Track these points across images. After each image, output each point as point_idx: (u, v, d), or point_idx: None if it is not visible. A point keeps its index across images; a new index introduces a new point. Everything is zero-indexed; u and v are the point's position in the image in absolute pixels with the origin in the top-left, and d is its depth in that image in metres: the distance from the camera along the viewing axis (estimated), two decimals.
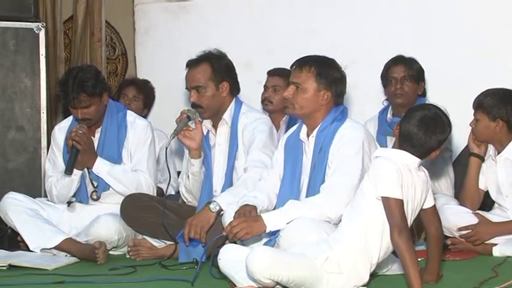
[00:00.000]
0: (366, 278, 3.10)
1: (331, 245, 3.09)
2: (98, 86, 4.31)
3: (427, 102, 4.60)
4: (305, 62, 3.68)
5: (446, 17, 5.17)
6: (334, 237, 3.14)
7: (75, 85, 4.24)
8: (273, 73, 5.00)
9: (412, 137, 3.09)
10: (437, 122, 3.12)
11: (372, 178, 3.08)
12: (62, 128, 4.54)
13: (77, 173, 4.35)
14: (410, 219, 3.10)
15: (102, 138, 4.43)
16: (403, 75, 4.58)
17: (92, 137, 4.39)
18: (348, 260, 3.05)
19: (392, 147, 3.28)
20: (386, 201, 3.02)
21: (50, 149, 4.60)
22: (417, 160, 3.12)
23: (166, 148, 4.13)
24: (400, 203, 3.02)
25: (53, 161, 4.52)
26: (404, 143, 3.12)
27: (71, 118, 4.54)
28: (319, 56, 3.74)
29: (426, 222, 3.21)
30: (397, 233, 2.98)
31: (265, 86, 5.02)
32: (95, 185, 4.40)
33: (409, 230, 3.05)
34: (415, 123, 3.09)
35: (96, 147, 4.40)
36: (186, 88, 4.26)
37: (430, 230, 3.24)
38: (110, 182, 4.38)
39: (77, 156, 4.28)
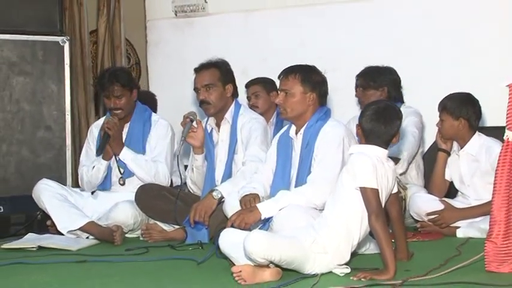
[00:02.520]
0: (347, 257, 3.10)
1: (317, 229, 3.08)
2: (129, 80, 4.43)
3: (404, 107, 4.58)
4: (290, 71, 3.68)
5: (416, 32, 5.17)
6: (319, 222, 3.13)
7: (111, 76, 4.36)
8: (249, 84, 5.01)
9: (375, 130, 3.10)
10: (389, 110, 3.14)
11: (350, 171, 3.07)
12: (97, 125, 4.59)
13: (103, 163, 4.39)
14: (383, 204, 3.10)
15: (129, 132, 4.46)
16: (359, 84, 4.57)
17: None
18: (332, 242, 3.05)
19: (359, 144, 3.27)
20: (364, 191, 3.02)
21: (86, 142, 4.62)
22: (386, 151, 3.13)
23: (178, 155, 4.13)
24: (376, 192, 3.02)
25: (86, 152, 4.55)
26: (370, 137, 3.12)
27: (103, 118, 4.58)
28: (301, 64, 3.74)
29: (389, 206, 3.20)
30: (374, 218, 2.98)
31: (247, 97, 5.02)
32: (122, 172, 4.41)
33: (384, 215, 3.05)
34: (373, 118, 3.10)
35: (124, 140, 4.42)
36: (194, 89, 4.25)
37: (392, 212, 3.25)
38: (133, 167, 4.38)
39: (108, 141, 4.32)
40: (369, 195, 3.00)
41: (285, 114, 3.69)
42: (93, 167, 4.40)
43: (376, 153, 3.09)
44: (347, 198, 3.07)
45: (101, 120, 4.60)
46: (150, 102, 5.30)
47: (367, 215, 3.03)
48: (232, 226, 3.40)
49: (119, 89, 4.35)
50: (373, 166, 3.03)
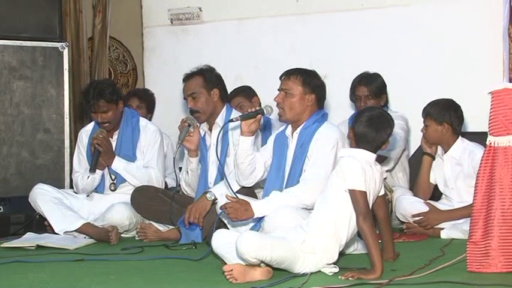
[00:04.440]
0: (336, 257, 3.10)
1: (306, 230, 3.09)
2: (114, 93, 4.34)
3: (391, 112, 4.60)
4: (292, 72, 3.70)
5: (402, 41, 5.21)
6: (308, 223, 3.13)
7: (95, 93, 4.28)
8: (233, 95, 4.81)
9: (366, 136, 3.11)
10: (383, 118, 3.15)
11: (340, 174, 3.08)
12: (87, 131, 4.56)
13: (98, 172, 4.39)
14: (370, 206, 3.11)
15: (119, 140, 4.44)
16: (366, 94, 4.55)
17: (110, 138, 4.41)
18: (320, 242, 3.05)
19: (350, 147, 3.28)
20: (352, 193, 3.03)
21: (76, 148, 4.61)
22: (374, 156, 3.14)
23: (174, 158, 4.14)
24: (364, 194, 3.03)
25: (78, 159, 4.55)
26: (361, 142, 3.13)
27: (93, 123, 4.56)
28: (303, 68, 3.76)
29: (376, 207, 3.21)
30: (362, 219, 2.99)
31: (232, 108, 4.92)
32: (113, 178, 4.40)
33: (371, 216, 3.06)
34: (366, 124, 3.11)
35: (114, 148, 4.41)
36: (184, 98, 4.27)
37: (379, 213, 3.25)
38: (126, 176, 4.38)
39: (99, 157, 4.31)
40: (358, 197, 3.02)
41: (283, 114, 3.68)
42: (88, 176, 4.39)
43: (365, 157, 3.10)
44: (336, 200, 3.08)
45: (90, 126, 4.58)
46: (149, 101, 5.30)
47: (355, 216, 3.04)
48: (222, 210, 3.45)
49: (104, 105, 4.30)
50: (362, 169, 3.04)
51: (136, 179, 4.36)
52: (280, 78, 3.72)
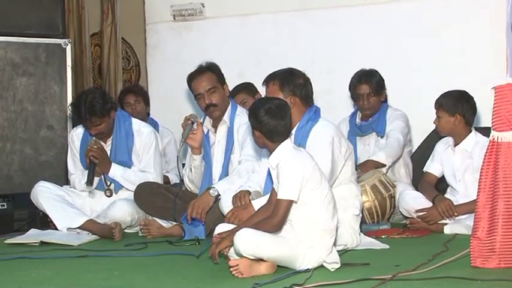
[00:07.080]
0: (331, 245, 3.05)
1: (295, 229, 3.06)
2: (105, 106, 4.26)
3: (391, 109, 4.61)
4: (270, 78, 3.63)
5: (406, 35, 5.20)
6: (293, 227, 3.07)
7: (87, 109, 4.20)
8: (236, 92, 4.82)
9: (276, 127, 3.00)
10: (281, 105, 3.06)
11: (299, 181, 2.99)
12: (78, 134, 4.52)
13: (95, 179, 4.36)
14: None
15: (114, 146, 4.41)
16: (368, 92, 4.55)
17: (104, 144, 4.38)
18: (315, 238, 3.00)
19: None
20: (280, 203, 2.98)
21: (69, 151, 4.56)
22: (290, 140, 3.08)
23: (178, 156, 4.14)
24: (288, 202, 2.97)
25: (73, 161, 4.53)
26: (275, 136, 3.02)
27: (81, 126, 4.50)
28: (282, 69, 3.66)
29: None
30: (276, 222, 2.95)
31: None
32: (108, 184, 4.38)
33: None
34: (270, 116, 3.00)
35: (109, 154, 4.38)
36: (196, 96, 4.18)
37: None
38: (124, 183, 4.38)
39: (95, 168, 4.30)
40: (282, 206, 2.97)
41: None
42: (86, 183, 4.35)
43: (289, 146, 3.04)
44: (309, 202, 3.02)
45: (80, 128, 4.50)
46: (145, 94, 5.26)
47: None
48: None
49: (96, 119, 4.25)
50: (300, 165, 3.00)
51: (133, 185, 4.33)
52: (263, 85, 3.66)
